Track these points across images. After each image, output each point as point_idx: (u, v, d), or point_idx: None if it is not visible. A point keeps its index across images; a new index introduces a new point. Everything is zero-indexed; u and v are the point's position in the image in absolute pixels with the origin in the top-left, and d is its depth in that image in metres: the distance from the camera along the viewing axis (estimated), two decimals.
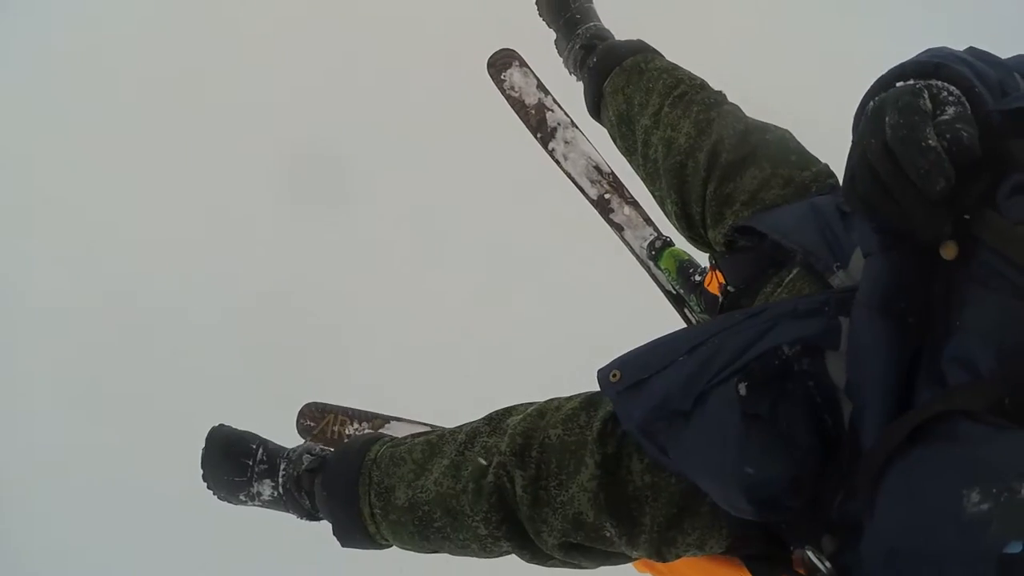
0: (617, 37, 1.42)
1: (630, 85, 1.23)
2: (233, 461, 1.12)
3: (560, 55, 1.52)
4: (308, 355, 2.16)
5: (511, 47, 1.78)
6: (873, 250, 0.67)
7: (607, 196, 1.74)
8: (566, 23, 1.46)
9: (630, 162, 1.29)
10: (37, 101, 2.35)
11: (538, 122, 1.77)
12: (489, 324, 2.20)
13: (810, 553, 0.68)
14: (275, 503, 1.13)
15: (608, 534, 0.84)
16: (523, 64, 1.81)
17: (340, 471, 1.03)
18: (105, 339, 2.19)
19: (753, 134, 1.07)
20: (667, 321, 1.69)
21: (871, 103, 0.60)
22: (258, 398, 1.93)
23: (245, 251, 2.20)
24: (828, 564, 0.67)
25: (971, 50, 0.67)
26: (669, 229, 1.73)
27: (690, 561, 0.87)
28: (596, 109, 1.34)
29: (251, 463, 1.12)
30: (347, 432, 1.65)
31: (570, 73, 1.50)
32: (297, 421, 1.66)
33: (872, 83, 0.64)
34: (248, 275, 2.23)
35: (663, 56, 1.28)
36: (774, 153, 1.04)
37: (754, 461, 0.70)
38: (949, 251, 0.60)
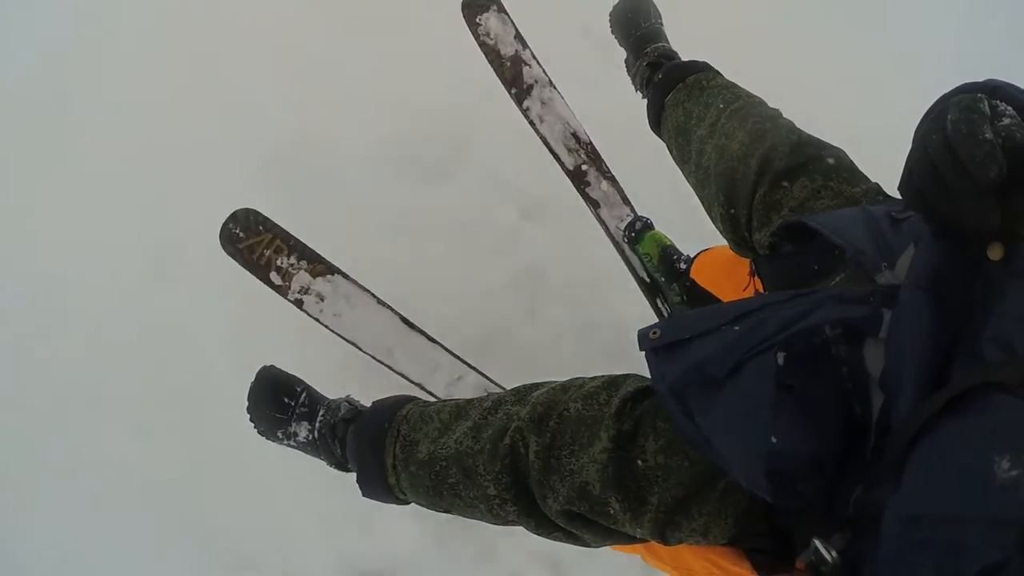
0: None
1: (690, 99, 1.27)
2: (278, 400, 1.21)
3: (628, 73, 1.54)
4: None
5: None
6: (925, 238, 0.70)
7: (584, 167, 1.55)
8: (635, 41, 1.50)
9: (683, 171, 1.30)
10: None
11: (513, 76, 1.56)
12: None
13: (818, 543, 0.68)
14: (309, 446, 1.21)
15: (612, 510, 0.84)
16: (501, 9, 1.59)
17: (372, 421, 1.10)
18: None
19: (807, 147, 1.07)
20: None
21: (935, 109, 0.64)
22: None
23: None
24: (835, 554, 0.68)
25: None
26: (647, 211, 1.58)
27: (692, 548, 0.87)
28: (657, 122, 1.37)
29: (293, 404, 1.21)
30: (278, 263, 1.31)
31: (636, 90, 1.51)
32: (224, 226, 1.30)
33: (934, 101, 0.68)
34: None
35: (724, 76, 1.32)
36: (827, 167, 1.05)
37: (781, 432, 0.70)
38: (995, 252, 0.64)
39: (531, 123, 1.55)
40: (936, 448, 0.60)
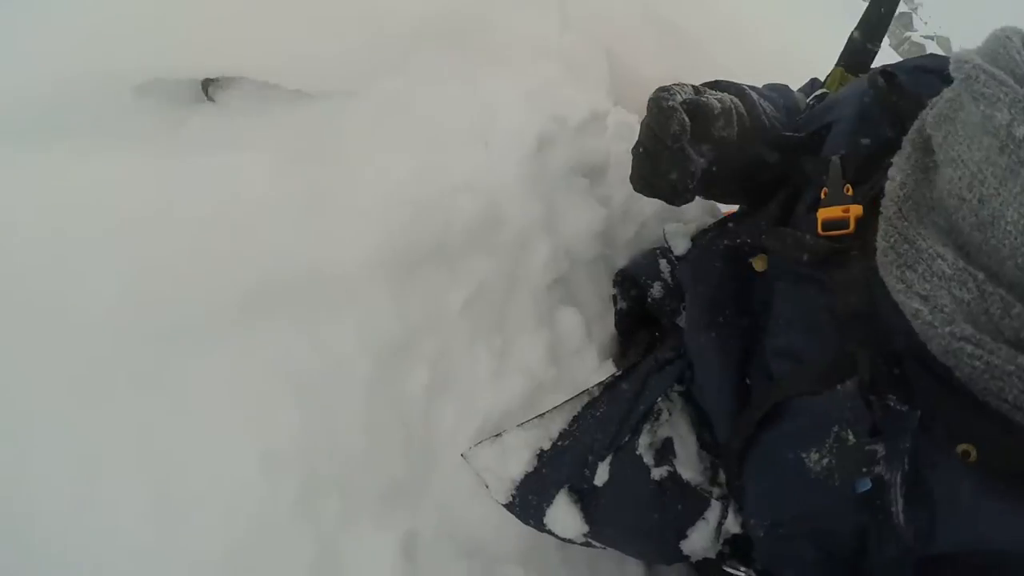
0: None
1: None
2: None
3: None
4: None
5: None
6: (694, 276, 0.84)
7: None
8: None
9: None
10: None
11: None
12: None
13: (727, 568, 0.76)
14: None
15: None
16: None
17: None
18: None
19: None
20: None
21: None
22: None
23: None
24: (744, 569, 0.76)
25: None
26: None
27: None
28: None
29: None
30: None
31: None
32: None
33: None
34: None
35: None
36: None
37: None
38: (760, 263, 0.78)
39: None
40: (760, 463, 0.70)
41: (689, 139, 0.69)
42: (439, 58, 1.01)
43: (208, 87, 1.00)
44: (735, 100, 0.78)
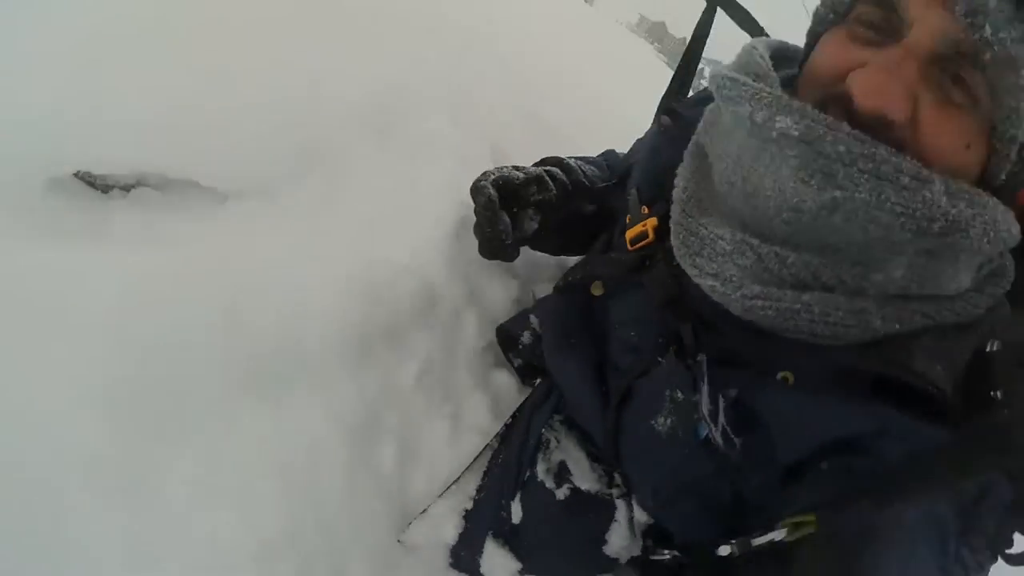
0: None
1: None
2: None
3: None
4: None
5: None
6: (546, 306, 0.98)
7: None
8: None
9: None
10: None
11: None
12: None
13: (653, 557, 0.81)
14: None
15: None
16: None
17: None
18: None
19: None
20: None
21: None
22: None
23: None
24: (668, 552, 0.79)
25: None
26: None
27: None
28: None
29: None
30: None
31: None
32: None
33: None
34: None
35: None
36: None
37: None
38: (596, 288, 0.90)
39: None
40: (627, 443, 0.79)
41: (508, 205, 0.93)
42: (363, 150, 1.10)
43: (123, 183, 0.99)
44: (550, 168, 1.01)
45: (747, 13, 1.16)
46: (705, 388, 0.69)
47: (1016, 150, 0.63)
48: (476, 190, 0.94)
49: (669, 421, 0.73)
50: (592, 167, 1.10)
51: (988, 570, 0.63)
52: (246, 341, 0.86)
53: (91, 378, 0.76)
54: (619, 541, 0.82)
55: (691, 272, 0.71)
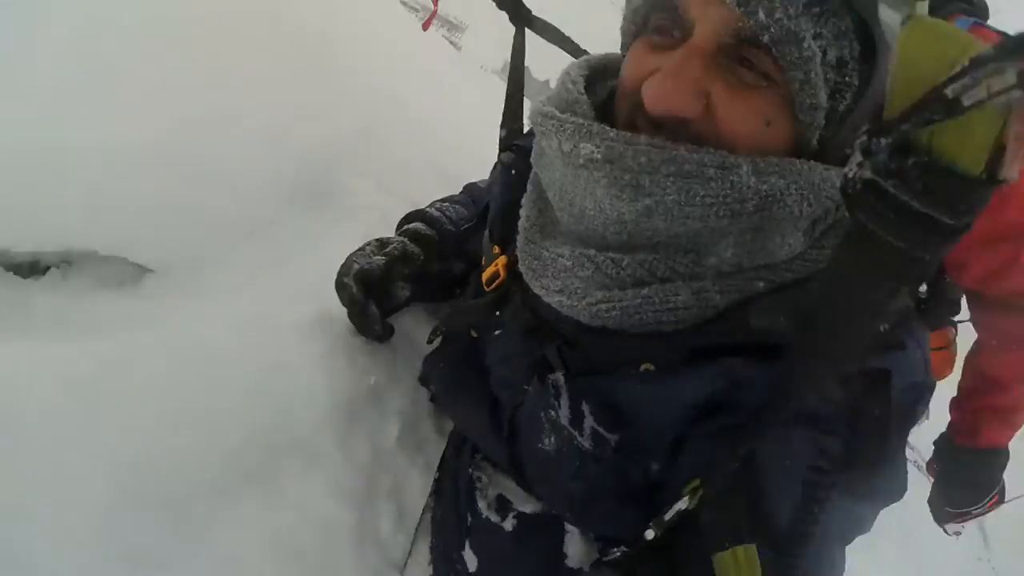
0: None
1: None
2: None
3: None
4: None
5: None
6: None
7: None
8: None
9: None
10: None
11: None
12: None
13: (606, 559, 0.82)
14: None
15: None
16: None
17: None
18: None
19: None
20: None
21: None
22: None
23: None
24: (618, 549, 0.79)
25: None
26: None
27: None
28: None
29: None
30: None
31: None
32: None
33: None
34: None
35: None
36: None
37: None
38: (472, 331, 0.93)
39: None
40: (530, 468, 0.83)
41: (379, 287, 0.96)
42: (300, 219, 1.09)
43: (51, 263, 0.88)
44: (415, 226, 1.04)
45: (559, 32, 1.13)
46: (564, 401, 0.74)
47: (821, 115, 0.65)
48: (340, 286, 0.95)
49: (552, 439, 0.76)
50: (457, 206, 1.13)
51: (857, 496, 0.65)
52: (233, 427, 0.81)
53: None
54: (578, 551, 0.84)
55: (540, 293, 0.74)
